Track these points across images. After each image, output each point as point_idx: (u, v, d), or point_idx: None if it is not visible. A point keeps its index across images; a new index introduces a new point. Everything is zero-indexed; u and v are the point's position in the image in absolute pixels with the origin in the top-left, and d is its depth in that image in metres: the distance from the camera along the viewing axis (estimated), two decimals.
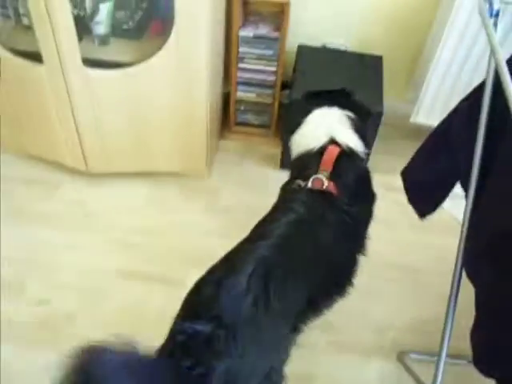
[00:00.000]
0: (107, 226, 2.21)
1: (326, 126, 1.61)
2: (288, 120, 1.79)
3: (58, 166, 2.36)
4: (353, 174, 1.53)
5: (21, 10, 2.07)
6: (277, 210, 1.45)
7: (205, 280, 1.25)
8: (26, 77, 2.04)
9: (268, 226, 1.36)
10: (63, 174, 2.38)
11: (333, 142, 1.56)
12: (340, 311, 1.89)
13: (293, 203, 1.40)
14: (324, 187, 1.43)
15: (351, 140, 1.60)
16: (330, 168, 1.48)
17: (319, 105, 1.70)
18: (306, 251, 1.36)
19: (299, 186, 1.47)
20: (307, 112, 1.69)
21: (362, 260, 2.10)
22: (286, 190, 1.54)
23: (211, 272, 1.26)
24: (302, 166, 1.56)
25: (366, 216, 1.60)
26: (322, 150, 1.54)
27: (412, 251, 2.20)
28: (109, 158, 2.27)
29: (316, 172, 1.47)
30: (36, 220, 2.22)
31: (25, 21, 2.08)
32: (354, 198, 1.48)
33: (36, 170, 2.41)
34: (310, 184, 1.44)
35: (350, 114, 1.68)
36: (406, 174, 1.62)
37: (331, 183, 1.45)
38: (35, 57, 1.96)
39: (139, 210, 2.26)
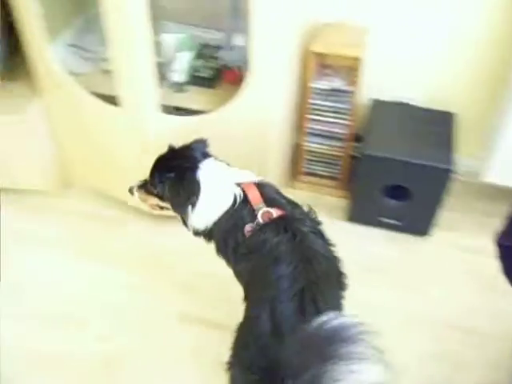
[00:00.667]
0: (170, 267, 2.22)
1: (222, 182, 1.61)
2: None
3: (126, 205, 2.39)
4: (276, 194, 1.62)
5: (102, 54, 2.15)
6: (264, 262, 1.48)
7: None
8: (103, 118, 2.11)
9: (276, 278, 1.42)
10: (130, 213, 2.42)
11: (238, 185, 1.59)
12: (406, 374, 1.83)
13: (273, 247, 1.47)
14: (275, 215, 1.51)
15: (244, 174, 1.66)
16: (261, 201, 1.55)
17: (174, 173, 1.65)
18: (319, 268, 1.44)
19: (252, 227, 1.52)
20: (195, 184, 1.62)
21: (424, 321, 2.05)
22: (239, 241, 1.56)
23: None
24: (233, 221, 1.57)
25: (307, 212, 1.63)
26: (242, 198, 1.57)
27: (477, 314, 2.10)
28: None
29: (254, 213, 1.53)
30: (100, 257, 2.26)
31: (105, 65, 2.15)
32: (294, 208, 1.59)
33: (103, 207, 2.46)
34: (261, 220, 1.50)
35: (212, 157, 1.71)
36: (499, 241, 1.54)
37: (274, 209, 1.53)
38: (113, 100, 2.03)
39: (203, 252, 2.26)
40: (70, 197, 2.49)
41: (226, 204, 1.58)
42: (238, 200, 1.57)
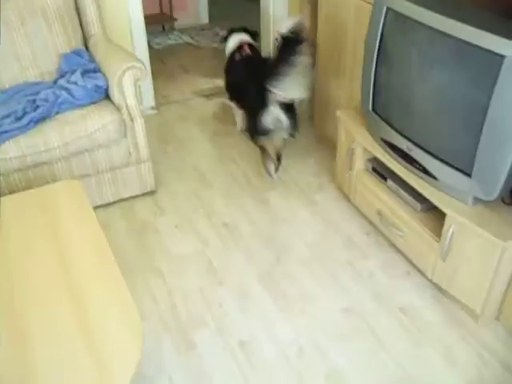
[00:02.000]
0: None
1: (237, 39, 3.72)
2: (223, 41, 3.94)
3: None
4: (254, 49, 3.68)
5: None
6: (244, 67, 3.58)
7: None
8: None
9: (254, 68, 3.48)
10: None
11: (241, 41, 3.70)
12: None
13: (248, 62, 3.57)
14: (248, 52, 3.59)
15: (249, 39, 3.73)
16: (248, 50, 3.61)
17: (235, 32, 3.80)
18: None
19: (239, 56, 3.61)
20: (228, 36, 3.81)
21: None
22: (235, 61, 3.65)
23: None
24: (233, 54, 3.66)
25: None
26: (240, 47, 3.64)
27: None
28: None
29: (242, 52, 3.60)
30: None
31: None
32: (257, 52, 3.75)
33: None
34: (244, 54, 3.57)
35: (248, 35, 3.80)
36: None
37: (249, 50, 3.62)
38: None
39: None
40: None
41: (232, 48, 3.69)
42: (237, 45, 3.65)
